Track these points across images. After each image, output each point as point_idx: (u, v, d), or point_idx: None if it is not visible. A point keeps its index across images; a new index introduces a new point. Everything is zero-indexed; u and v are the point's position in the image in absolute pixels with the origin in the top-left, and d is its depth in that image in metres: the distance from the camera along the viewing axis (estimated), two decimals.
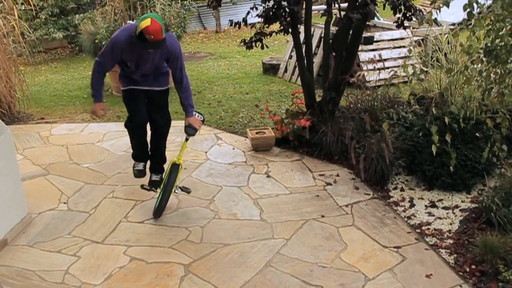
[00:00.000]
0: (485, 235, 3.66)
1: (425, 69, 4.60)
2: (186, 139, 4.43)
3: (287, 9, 5.29)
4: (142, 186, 4.47)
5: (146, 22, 3.68)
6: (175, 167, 4.28)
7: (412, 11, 5.27)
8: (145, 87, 4.27)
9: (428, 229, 4.08)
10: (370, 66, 6.94)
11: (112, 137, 6.09)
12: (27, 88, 7.27)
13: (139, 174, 4.51)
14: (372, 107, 5.40)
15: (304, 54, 5.65)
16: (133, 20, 8.07)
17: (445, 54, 5.26)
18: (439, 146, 4.10)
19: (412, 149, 4.73)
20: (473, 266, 3.55)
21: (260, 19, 5.42)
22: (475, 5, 3.29)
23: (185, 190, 4.41)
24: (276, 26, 5.50)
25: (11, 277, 3.60)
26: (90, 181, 5.01)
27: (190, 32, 13.40)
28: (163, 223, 4.26)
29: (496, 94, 3.85)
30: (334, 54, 5.67)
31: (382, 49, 7.83)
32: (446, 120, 3.66)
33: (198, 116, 4.39)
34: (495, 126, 3.87)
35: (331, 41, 5.59)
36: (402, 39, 8.06)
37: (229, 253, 3.83)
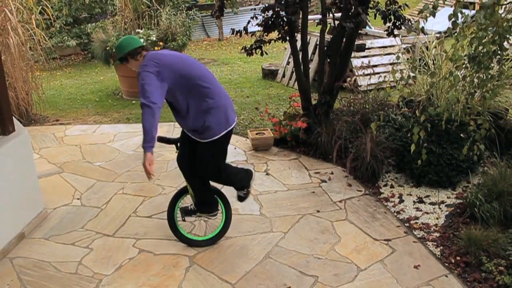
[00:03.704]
0: (469, 229, 3.66)
1: (413, 74, 4.60)
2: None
3: (285, 18, 5.29)
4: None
5: None
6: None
7: (401, 20, 5.28)
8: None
9: (416, 223, 4.08)
10: (362, 72, 6.95)
11: (122, 137, 6.09)
12: (43, 92, 7.27)
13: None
14: (364, 110, 5.40)
15: (300, 61, 5.65)
16: (141, 29, 8.07)
17: (433, 60, 5.27)
18: (426, 146, 4.10)
19: (401, 148, 4.73)
20: (458, 258, 3.55)
21: (259, 28, 5.42)
22: (459, 15, 3.28)
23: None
24: (274, 34, 5.49)
25: (28, 268, 3.60)
26: (101, 178, 5.01)
27: (195, 40, 13.40)
28: None
29: (478, 97, 3.85)
30: (328, 60, 5.67)
31: (373, 55, 7.82)
32: (422, 118, 3.66)
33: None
34: (477, 127, 3.88)
35: (325, 48, 5.59)
36: (392, 46, 8.06)
37: (231, 246, 3.83)
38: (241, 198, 3.90)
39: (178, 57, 3.47)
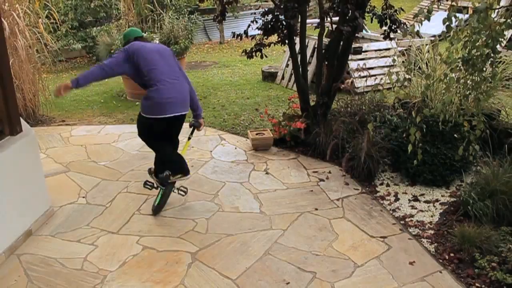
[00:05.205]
0: (462, 226, 3.66)
1: (408, 76, 4.60)
2: (189, 138, 4.40)
3: (284, 22, 5.29)
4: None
5: None
6: None
7: (397, 24, 5.28)
8: None
9: (411, 220, 4.08)
10: (359, 74, 6.94)
11: (126, 138, 6.08)
12: (49, 94, 7.26)
13: None
14: (361, 111, 5.39)
15: (299, 63, 5.65)
16: (145, 33, 8.08)
17: (426, 63, 5.26)
18: (421, 146, 4.10)
19: (397, 148, 4.73)
20: (452, 254, 3.55)
21: (259, 31, 5.42)
22: (453, 19, 3.28)
23: (182, 191, 4.30)
24: (274, 38, 5.50)
25: (35, 264, 3.60)
26: (106, 177, 5.01)
27: (197, 43, 13.39)
28: (172, 215, 4.26)
29: (472, 99, 3.85)
30: (326, 63, 5.67)
31: (369, 58, 7.82)
32: (418, 119, 3.66)
33: None
34: (471, 128, 3.89)
35: (323, 51, 5.59)
36: (387, 49, 8.05)
37: (232, 243, 3.83)
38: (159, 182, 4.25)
39: (146, 55, 3.98)
